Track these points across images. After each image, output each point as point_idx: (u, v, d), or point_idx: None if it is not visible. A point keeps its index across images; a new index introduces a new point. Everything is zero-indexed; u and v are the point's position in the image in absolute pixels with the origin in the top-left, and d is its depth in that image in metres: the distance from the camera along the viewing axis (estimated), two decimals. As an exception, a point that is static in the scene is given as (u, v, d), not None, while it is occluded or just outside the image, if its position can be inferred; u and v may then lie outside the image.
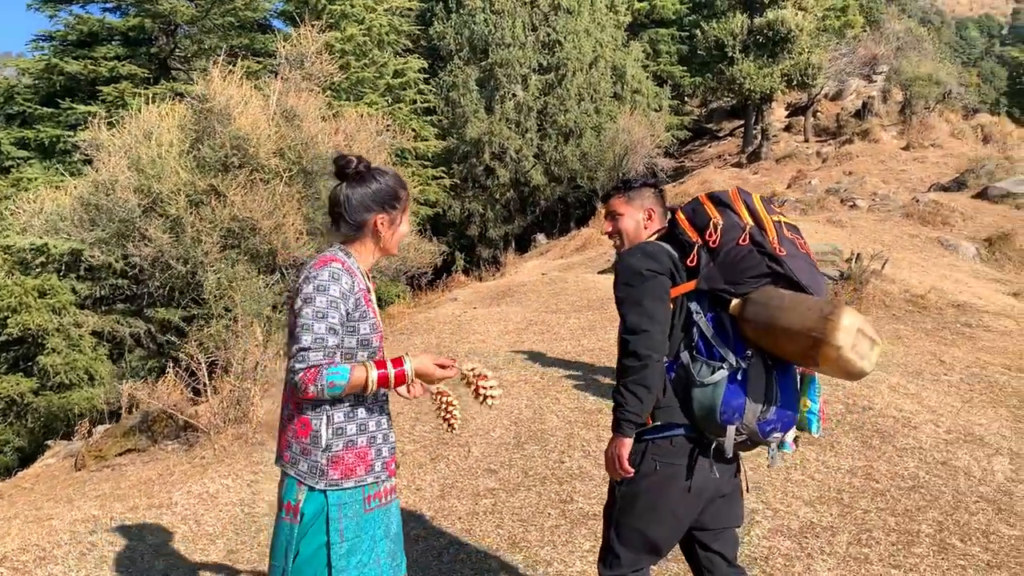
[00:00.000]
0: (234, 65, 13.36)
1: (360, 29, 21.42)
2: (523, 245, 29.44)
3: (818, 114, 33.49)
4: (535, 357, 8.83)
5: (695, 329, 2.64)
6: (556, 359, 8.82)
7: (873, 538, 4.37)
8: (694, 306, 2.66)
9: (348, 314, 2.41)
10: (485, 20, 27.03)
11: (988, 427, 6.85)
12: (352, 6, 21.50)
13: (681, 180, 29.68)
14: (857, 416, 6.46)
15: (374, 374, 2.38)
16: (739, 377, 2.54)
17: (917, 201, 19.43)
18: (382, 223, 2.53)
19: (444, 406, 2.63)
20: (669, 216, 2.89)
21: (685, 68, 32.07)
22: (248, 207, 11.38)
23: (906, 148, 27.20)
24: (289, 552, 2.41)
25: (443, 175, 25.69)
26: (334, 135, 13.31)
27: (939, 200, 19.51)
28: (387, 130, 14.56)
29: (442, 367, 2.50)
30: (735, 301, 2.60)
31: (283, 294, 11.09)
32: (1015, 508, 4.77)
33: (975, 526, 4.50)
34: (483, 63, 27.37)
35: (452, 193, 27.16)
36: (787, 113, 36.13)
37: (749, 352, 2.58)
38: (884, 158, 25.94)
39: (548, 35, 27.21)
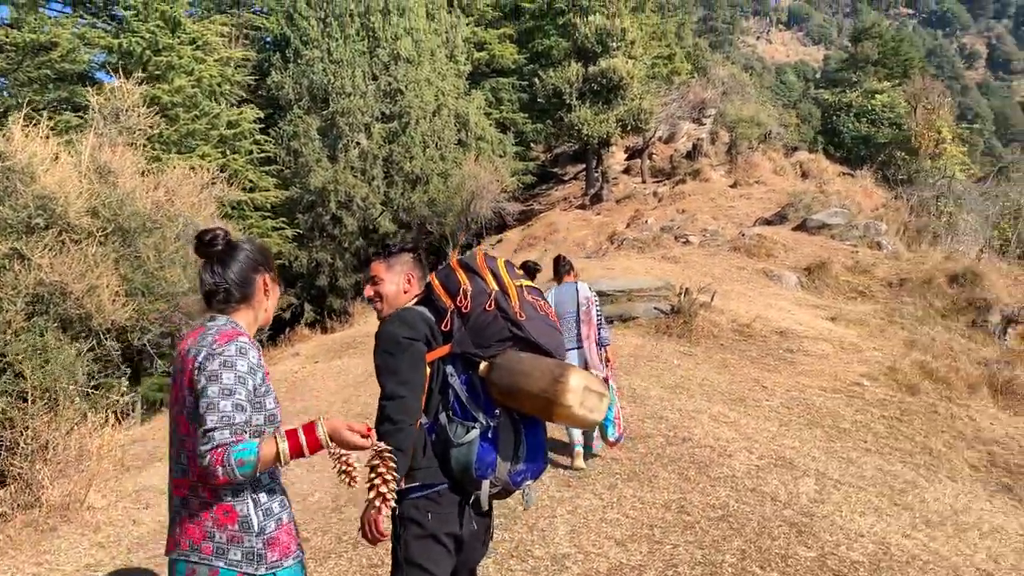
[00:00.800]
0: (41, 120, 12.45)
1: (189, 80, 20.67)
2: (375, 294, 28.98)
3: (653, 156, 35.17)
4: (366, 415, 8.57)
5: (451, 391, 2.77)
6: (390, 412, 8.59)
7: (679, 573, 4.41)
8: (449, 369, 2.78)
9: (255, 389, 2.32)
10: (324, 70, 26.80)
11: (800, 449, 7.18)
12: (180, 57, 20.74)
13: (529, 223, 30.28)
14: (676, 448, 6.60)
15: (284, 445, 2.26)
16: (490, 435, 2.71)
17: (743, 235, 20.60)
18: (268, 283, 2.57)
19: (343, 461, 2.39)
20: (426, 281, 3.00)
21: (526, 115, 32.97)
22: (57, 270, 10.53)
23: (734, 186, 28.93)
24: None
25: (284, 225, 25.04)
26: (153, 190, 12.61)
27: (763, 233, 20.78)
28: (214, 183, 13.97)
29: (357, 433, 2.36)
30: (483, 364, 2.74)
31: (97, 363, 10.26)
32: (814, 529, 4.97)
33: (775, 551, 4.64)
34: (324, 112, 27.06)
35: (298, 243, 26.49)
36: (626, 156, 37.75)
37: (498, 411, 2.73)
38: (714, 195, 27.46)
39: (389, 84, 27.29)
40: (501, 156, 30.18)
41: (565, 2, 32.16)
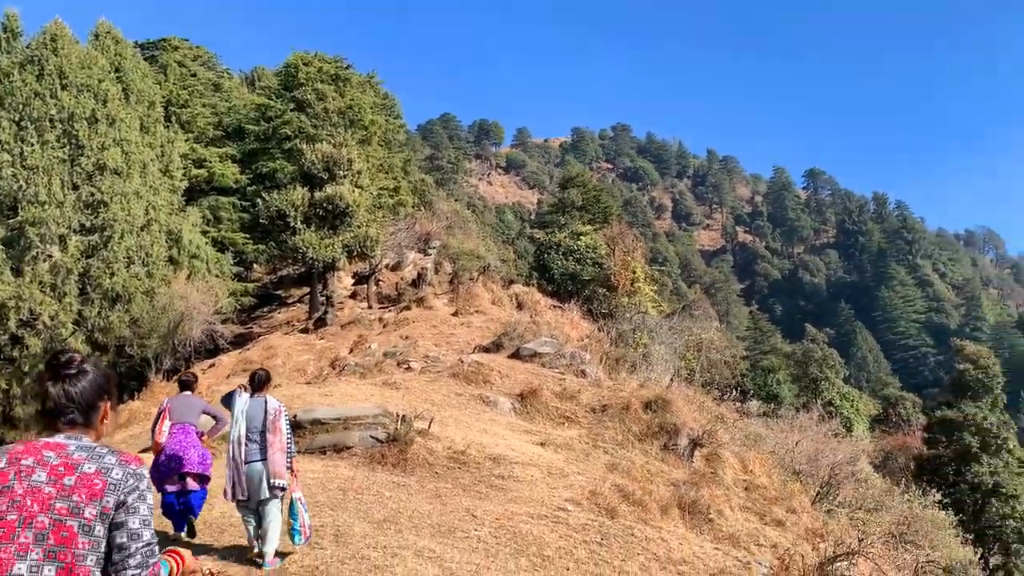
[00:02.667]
0: None
1: None
2: (61, 425, 25.55)
3: (380, 282, 35.48)
4: None
5: None
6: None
7: None
8: None
9: None
10: (15, 175, 24.08)
11: (502, 582, 7.04)
12: None
13: (246, 347, 28.74)
14: (374, 592, 6.16)
15: (172, 563, 2.63)
16: None
17: (463, 362, 21.05)
18: (108, 411, 2.72)
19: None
20: None
21: (248, 236, 31.92)
22: None
23: (455, 314, 29.82)
24: None
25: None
26: None
27: (481, 360, 21.39)
28: None
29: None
30: None
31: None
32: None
33: None
34: (11, 221, 24.13)
35: (-38, 368, 22.78)
36: (353, 281, 37.71)
37: None
38: (437, 323, 28.05)
39: (92, 195, 25.10)
40: (218, 276, 28.70)
41: (291, 129, 32.17)
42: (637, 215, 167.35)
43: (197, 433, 8.51)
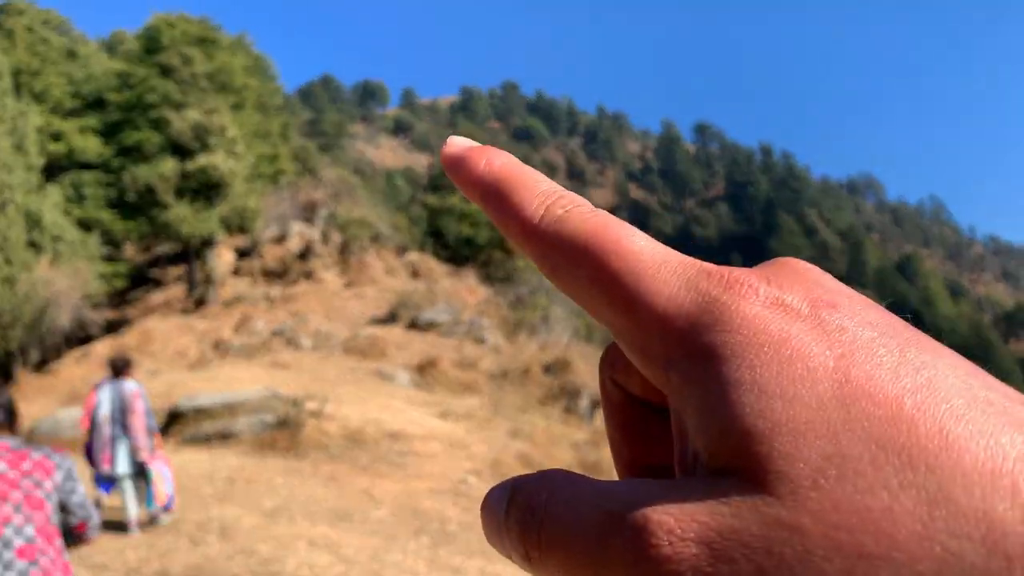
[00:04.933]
0: None
1: None
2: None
3: (264, 257, 34.02)
4: None
5: None
6: None
7: None
8: None
9: None
10: None
11: (403, 564, 6.70)
12: None
13: (121, 333, 27.02)
14: (262, 593, 5.66)
15: None
16: None
17: (356, 336, 20.40)
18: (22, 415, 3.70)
19: None
20: None
21: (116, 212, 29.82)
22: None
23: (347, 286, 28.94)
24: None
25: None
26: None
27: (376, 333, 20.80)
28: None
29: None
30: None
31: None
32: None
33: None
34: None
35: None
36: (236, 257, 36.03)
37: None
38: (327, 296, 27.13)
39: (-68, 175, 22.77)
40: (85, 258, 26.72)
41: (157, 96, 30.11)
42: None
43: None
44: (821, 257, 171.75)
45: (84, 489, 3.39)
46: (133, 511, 7.80)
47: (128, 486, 7.90)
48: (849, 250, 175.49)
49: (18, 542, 3.12)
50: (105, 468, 7.88)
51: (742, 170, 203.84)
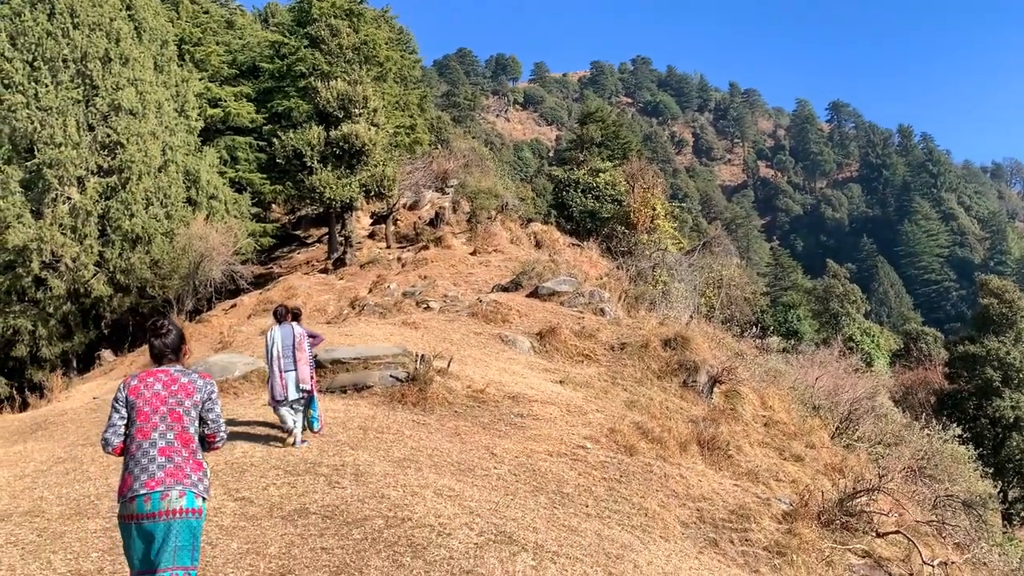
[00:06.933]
0: None
1: None
2: (89, 362, 26.00)
3: (398, 222, 35.37)
4: (38, 511, 7.25)
5: None
6: (72, 506, 7.36)
7: None
8: None
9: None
10: (29, 116, 23.97)
11: (522, 521, 7.09)
12: None
13: (267, 287, 28.89)
14: (394, 531, 6.22)
15: None
16: None
17: (481, 301, 21.05)
18: (188, 348, 4.73)
19: None
20: None
21: (265, 176, 31.76)
22: None
23: (474, 253, 29.74)
24: (198, 535, 4.38)
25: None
26: None
27: (499, 300, 21.37)
28: None
29: None
30: None
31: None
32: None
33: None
34: (28, 163, 24.15)
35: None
36: (371, 221, 37.61)
37: None
38: (455, 262, 28.01)
39: (108, 136, 24.99)
40: (236, 217, 28.70)
41: (306, 66, 31.69)
42: (657, 150, 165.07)
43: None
44: (958, 244, 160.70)
45: (220, 409, 4.45)
46: (299, 430, 9.44)
47: (298, 410, 9.54)
48: (990, 237, 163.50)
49: (161, 443, 4.28)
50: (275, 395, 9.44)
51: (878, 152, 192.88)
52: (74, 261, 24.16)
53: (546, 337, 18.54)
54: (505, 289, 23.78)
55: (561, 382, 15.34)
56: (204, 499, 4.36)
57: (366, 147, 28.56)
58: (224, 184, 29.27)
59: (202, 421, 4.39)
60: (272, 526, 6.41)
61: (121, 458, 4.38)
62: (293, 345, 9.67)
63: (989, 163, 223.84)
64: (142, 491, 4.16)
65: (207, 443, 4.45)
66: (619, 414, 13.13)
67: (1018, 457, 34.40)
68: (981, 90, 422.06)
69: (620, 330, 19.30)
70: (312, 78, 30.56)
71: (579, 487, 9.08)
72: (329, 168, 28.67)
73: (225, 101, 32.98)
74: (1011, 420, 34.66)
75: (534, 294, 22.64)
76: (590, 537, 7.06)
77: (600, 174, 37.44)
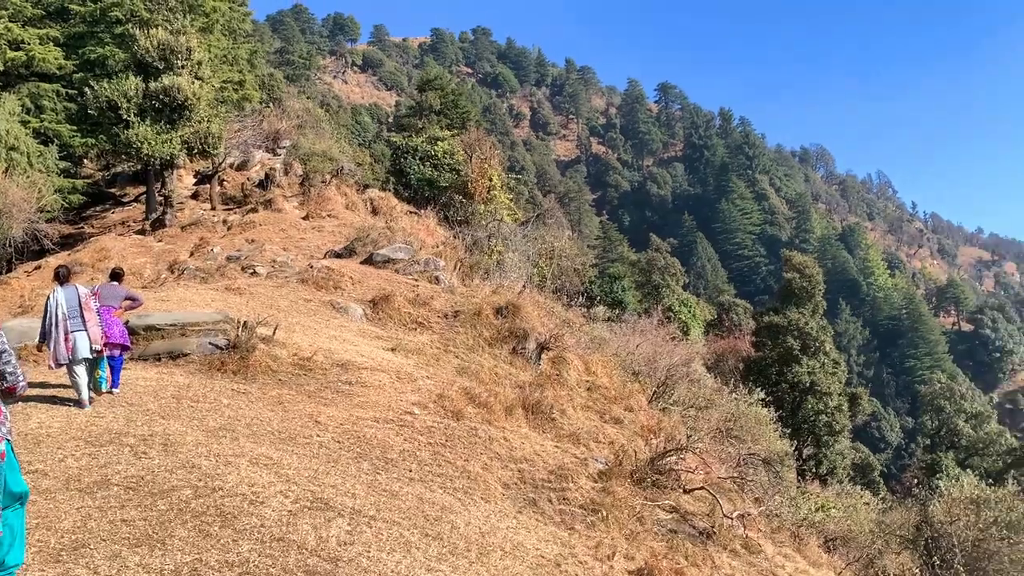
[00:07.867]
0: None
1: None
2: None
3: (224, 183, 33.64)
4: None
5: None
6: None
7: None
8: None
9: None
10: None
11: (341, 487, 7.03)
12: None
13: (77, 248, 26.73)
14: (203, 501, 5.98)
15: None
16: None
17: (312, 267, 20.49)
18: None
19: None
20: None
21: (75, 128, 29.17)
22: None
23: (306, 218, 28.85)
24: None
25: None
26: None
27: (332, 266, 20.88)
28: None
29: None
30: None
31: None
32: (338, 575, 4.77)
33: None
34: None
35: None
36: (195, 181, 35.56)
37: None
38: (286, 226, 27.05)
39: None
40: (41, 171, 26.23)
41: (123, 11, 29.27)
42: (496, 122, 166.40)
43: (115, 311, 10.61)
44: (769, 223, 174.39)
45: (15, 359, 4.24)
46: (85, 393, 9.19)
47: (89, 371, 9.36)
48: (796, 217, 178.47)
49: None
50: (59, 359, 9.15)
51: (700, 133, 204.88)
52: None
53: (379, 305, 18.35)
54: (339, 255, 23.27)
55: (393, 349, 15.27)
56: (8, 441, 4.44)
57: (189, 101, 26.86)
58: (27, 135, 26.63)
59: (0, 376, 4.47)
60: (67, 499, 5.99)
61: None
62: (80, 306, 9.45)
63: (798, 148, 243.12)
64: None
65: (6, 393, 4.48)
66: (449, 380, 13.25)
67: (812, 418, 37.97)
68: (796, 76, 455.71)
69: (454, 298, 19.42)
70: (130, 25, 28.30)
71: (404, 452, 9.11)
72: (148, 122, 26.74)
73: (28, 44, 29.85)
74: (807, 385, 38.14)
75: (369, 261, 22.31)
76: (411, 501, 7.10)
77: (439, 142, 37.23)
